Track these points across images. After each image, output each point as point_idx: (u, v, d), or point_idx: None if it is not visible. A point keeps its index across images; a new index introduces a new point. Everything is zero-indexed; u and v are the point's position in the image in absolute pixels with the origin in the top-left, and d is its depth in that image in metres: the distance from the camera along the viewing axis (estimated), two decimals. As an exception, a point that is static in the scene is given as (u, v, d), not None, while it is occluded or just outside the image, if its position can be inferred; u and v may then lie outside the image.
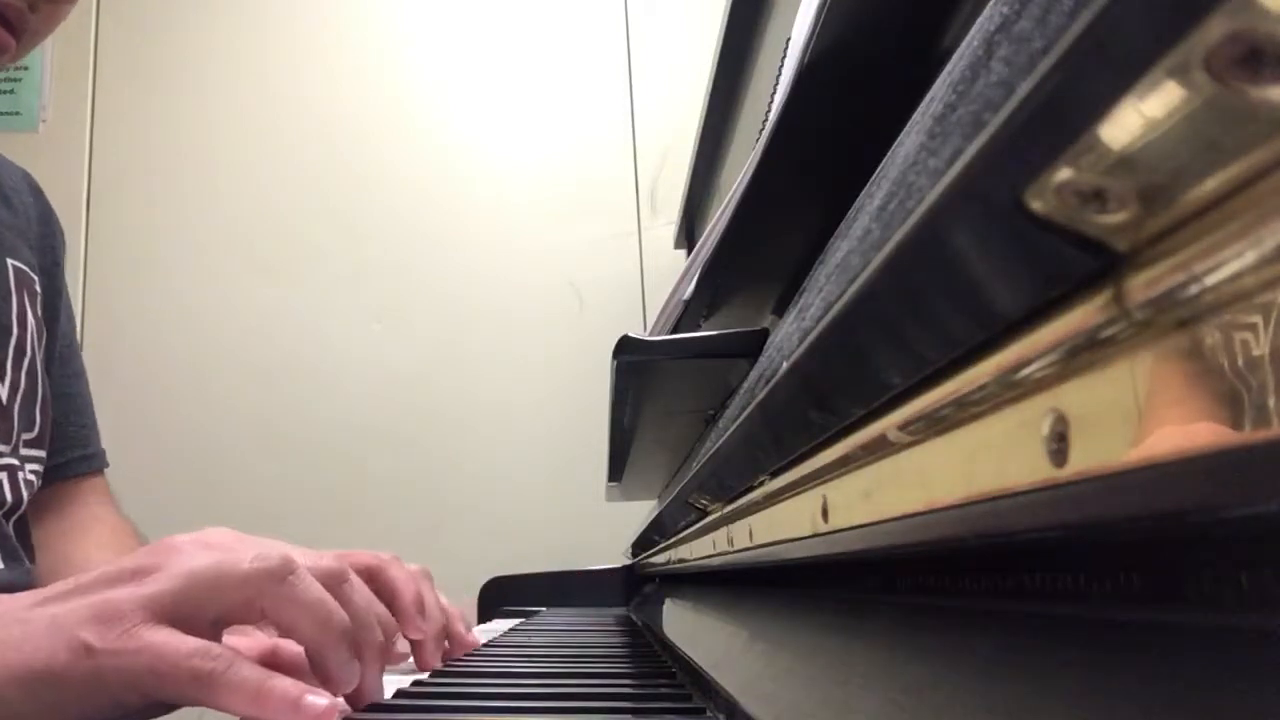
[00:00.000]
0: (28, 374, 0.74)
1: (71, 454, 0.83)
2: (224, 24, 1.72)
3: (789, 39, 0.40)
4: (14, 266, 0.76)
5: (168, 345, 1.61)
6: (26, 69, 1.68)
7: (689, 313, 0.54)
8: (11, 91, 1.68)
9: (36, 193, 0.84)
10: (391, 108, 1.68)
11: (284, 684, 0.39)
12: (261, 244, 1.65)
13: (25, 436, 0.74)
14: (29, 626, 0.40)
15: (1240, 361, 0.10)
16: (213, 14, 1.72)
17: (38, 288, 0.78)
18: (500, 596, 1.20)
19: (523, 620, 1.03)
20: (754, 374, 0.34)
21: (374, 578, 0.55)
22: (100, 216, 1.66)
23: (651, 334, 0.55)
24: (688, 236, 1.40)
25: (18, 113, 1.67)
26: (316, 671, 0.42)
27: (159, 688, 0.39)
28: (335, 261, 1.64)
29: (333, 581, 0.43)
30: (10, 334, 0.73)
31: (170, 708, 0.41)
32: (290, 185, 1.66)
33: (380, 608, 0.48)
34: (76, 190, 1.64)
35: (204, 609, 0.41)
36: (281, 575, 0.41)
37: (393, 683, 0.46)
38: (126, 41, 1.72)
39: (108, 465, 0.87)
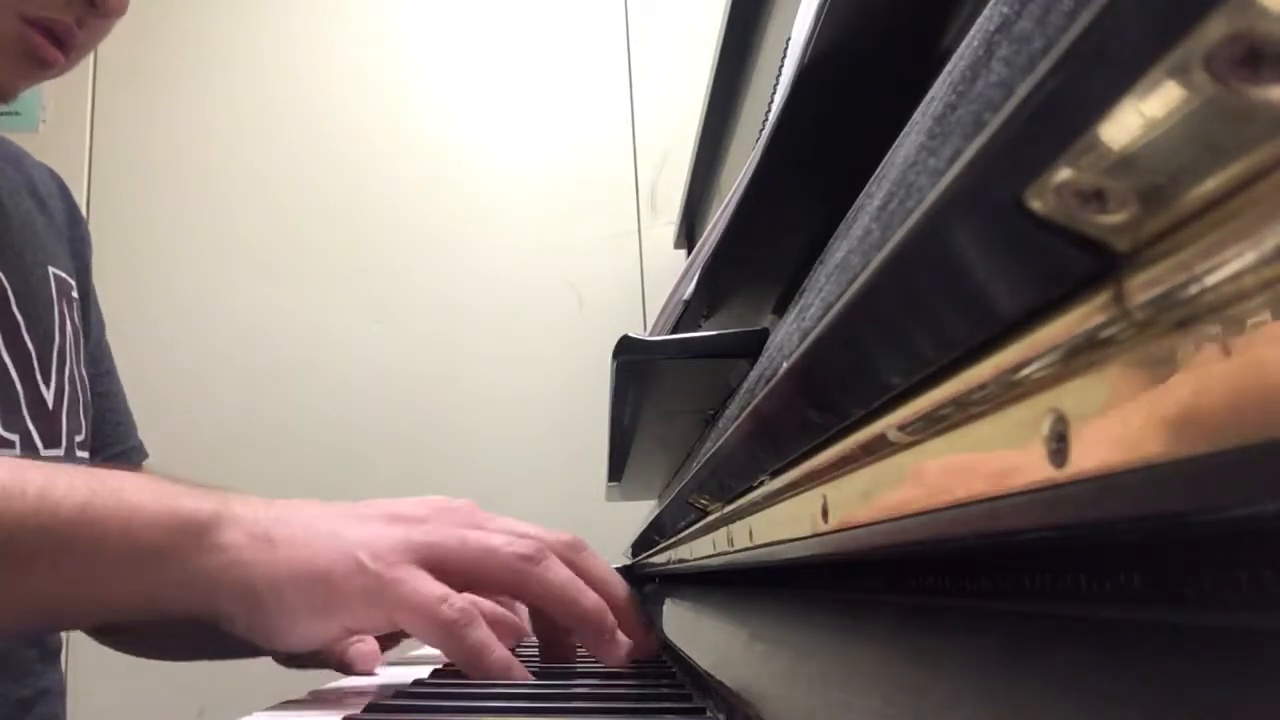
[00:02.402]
0: (70, 379, 0.75)
1: (111, 451, 0.85)
2: (224, 24, 1.72)
3: (789, 39, 0.40)
4: (54, 274, 0.77)
5: (167, 345, 1.61)
6: (26, 69, 1.68)
7: (689, 313, 0.54)
8: (11, 91, 1.68)
9: (64, 193, 0.86)
10: (392, 108, 1.68)
11: (502, 655, 0.45)
12: (261, 244, 1.65)
13: (77, 439, 0.75)
14: (311, 534, 0.46)
15: (1240, 361, 0.10)
16: (212, 14, 1.72)
17: (74, 294, 0.79)
18: (500, 596, 1.19)
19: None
20: (754, 374, 0.34)
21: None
22: (100, 216, 1.66)
23: (651, 334, 0.55)
24: (688, 236, 1.40)
25: (18, 113, 1.67)
26: (582, 640, 0.49)
27: (404, 619, 0.45)
28: (335, 261, 1.64)
29: (572, 554, 0.50)
30: (53, 341, 0.74)
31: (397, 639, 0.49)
32: (290, 185, 1.66)
33: (608, 572, 0.53)
34: (76, 190, 1.63)
35: (461, 572, 0.46)
36: (536, 560, 0.47)
37: (392, 683, 0.46)
38: (126, 41, 1.71)
39: (147, 456, 0.89)
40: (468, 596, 0.49)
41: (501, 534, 0.48)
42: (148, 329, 1.61)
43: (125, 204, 1.67)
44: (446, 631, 0.45)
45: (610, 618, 0.49)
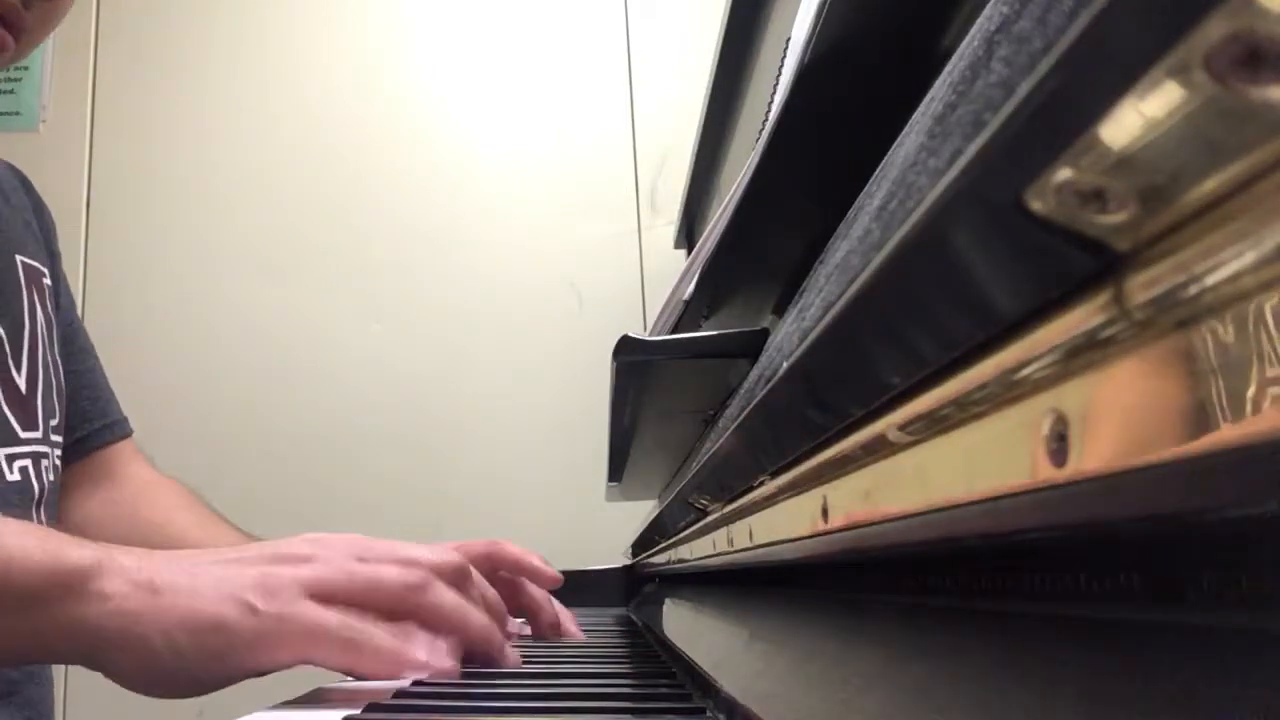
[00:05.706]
0: (43, 364, 0.76)
1: (91, 426, 0.85)
2: (224, 24, 1.72)
3: (789, 39, 0.40)
4: (22, 262, 0.77)
5: (167, 345, 1.61)
6: (27, 69, 1.68)
7: (689, 313, 0.54)
8: (11, 91, 1.68)
9: (26, 186, 0.86)
10: (392, 108, 1.68)
11: (414, 651, 0.47)
12: (261, 244, 1.65)
13: (52, 423, 0.76)
14: (197, 580, 0.46)
15: (1240, 361, 0.10)
16: (213, 14, 1.72)
17: (46, 280, 0.80)
18: (500, 596, 1.19)
19: (522, 620, 1.03)
20: (754, 374, 0.34)
21: (493, 560, 0.68)
22: (100, 216, 1.66)
23: (651, 334, 0.55)
24: (688, 236, 1.40)
25: (18, 113, 1.67)
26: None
27: (307, 651, 0.46)
28: (335, 261, 1.64)
29: (459, 579, 0.51)
30: (23, 328, 0.75)
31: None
32: (290, 185, 1.66)
33: (493, 596, 0.56)
34: (76, 190, 1.64)
35: (351, 604, 0.47)
36: (423, 588, 0.48)
37: (392, 683, 0.46)
38: (126, 41, 1.72)
39: (132, 431, 0.89)
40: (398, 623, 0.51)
41: (388, 564, 0.49)
42: (148, 329, 1.61)
43: (125, 204, 1.67)
44: (354, 650, 0.46)
45: (498, 636, 0.52)
